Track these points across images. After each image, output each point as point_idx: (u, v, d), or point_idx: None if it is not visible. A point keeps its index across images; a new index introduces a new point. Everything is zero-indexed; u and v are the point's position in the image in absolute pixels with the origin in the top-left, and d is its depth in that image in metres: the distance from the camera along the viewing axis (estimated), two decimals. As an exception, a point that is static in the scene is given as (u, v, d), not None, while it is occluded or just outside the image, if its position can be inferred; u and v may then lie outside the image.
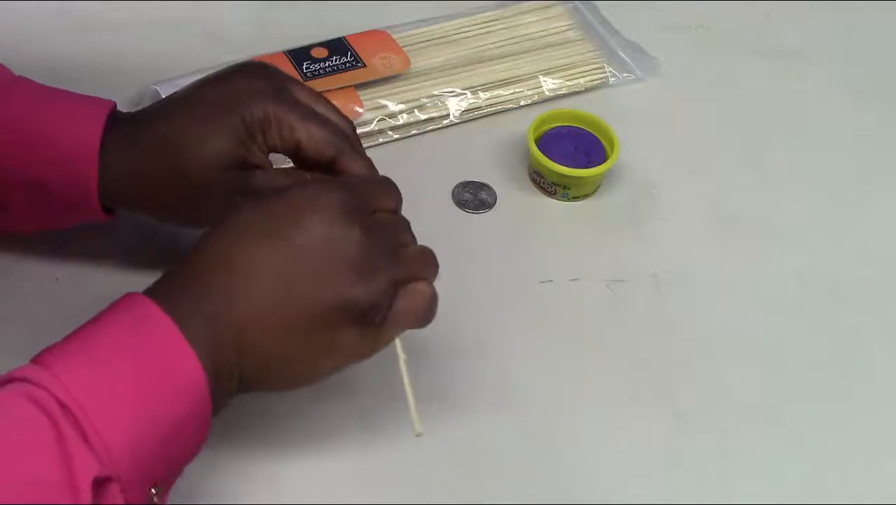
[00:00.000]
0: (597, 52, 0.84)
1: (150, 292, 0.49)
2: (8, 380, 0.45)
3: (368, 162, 0.59)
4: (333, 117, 0.59)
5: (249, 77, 0.58)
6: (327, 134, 0.57)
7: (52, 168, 0.58)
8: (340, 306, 0.49)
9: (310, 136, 0.57)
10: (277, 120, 0.57)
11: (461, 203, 0.73)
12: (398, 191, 0.54)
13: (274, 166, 0.59)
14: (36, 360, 0.46)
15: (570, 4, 0.88)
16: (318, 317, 0.49)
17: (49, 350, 0.47)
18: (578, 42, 0.85)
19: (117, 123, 0.59)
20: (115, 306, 0.48)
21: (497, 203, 0.73)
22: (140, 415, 0.45)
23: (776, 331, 0.67)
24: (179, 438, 0.47)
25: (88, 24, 0.81)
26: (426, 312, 0.53)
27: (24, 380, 0.44)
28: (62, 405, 0.43)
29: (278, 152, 0.58)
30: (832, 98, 0.85)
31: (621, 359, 0.65)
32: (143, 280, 0.65)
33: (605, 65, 0.83)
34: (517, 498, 0.57)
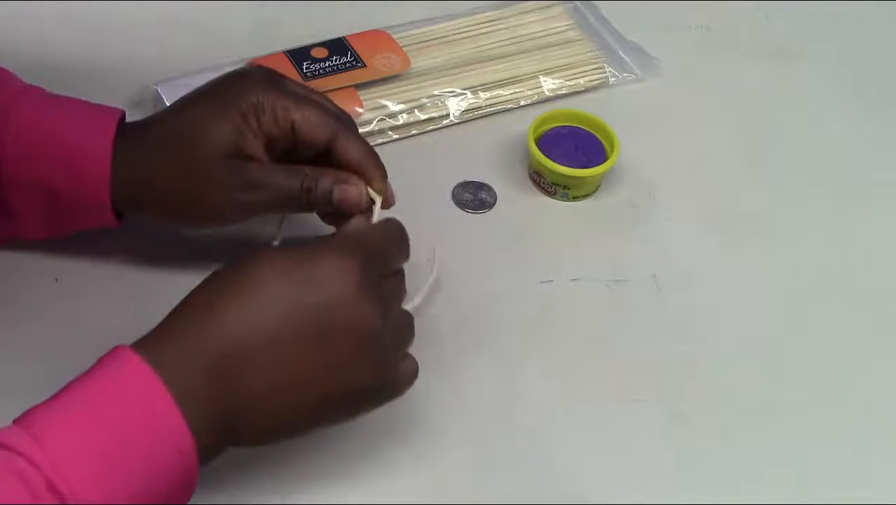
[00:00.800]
0: (597, 52, 0.84)
1: (145, 349, 0.47)
2: None
3: (365, 144, 0.59)
4: (329, 105, 0.60)
5: (245, 72, 0.60)
6: (323, 116, 0.58)
7: (64, 174, 0.58)
8: (344, 394, 0.50)
9: (304, 117, 0.57)
10: (272, 104, 0.57)
11: (461, 203, 0.73)
12: (408, 241, 0.55)
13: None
14: (23, 424, 0.45)
15: (570, 4, 0.88)
16: (325, 396, 0.50)
17: (35, 414, 0.45)
18: (578, 42, 0.85)
19: (126, 129, 0.60)
20: (101, 363, 0.47)
21: (497, 203, 0.73)
22: (130, 495, 0.45)
23: (776, 331, 0.67)
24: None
25: (88, 25, 0.81)
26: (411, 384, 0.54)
27: (9, 448, 0.43)
28: (51, 486, 0.43)
29: (274, 140, 0.58)
30: (832, 98, 0.85)
31: (621, 359, 0.65)
32: (142, 280, 0.65)
33: (605, 65, 0.83)
34: (517, 498, 0.57)
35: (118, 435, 0.45)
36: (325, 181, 0.57)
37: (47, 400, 0.46)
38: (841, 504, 0.58)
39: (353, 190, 0.58)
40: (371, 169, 0.59)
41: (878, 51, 0.89)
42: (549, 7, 0.87)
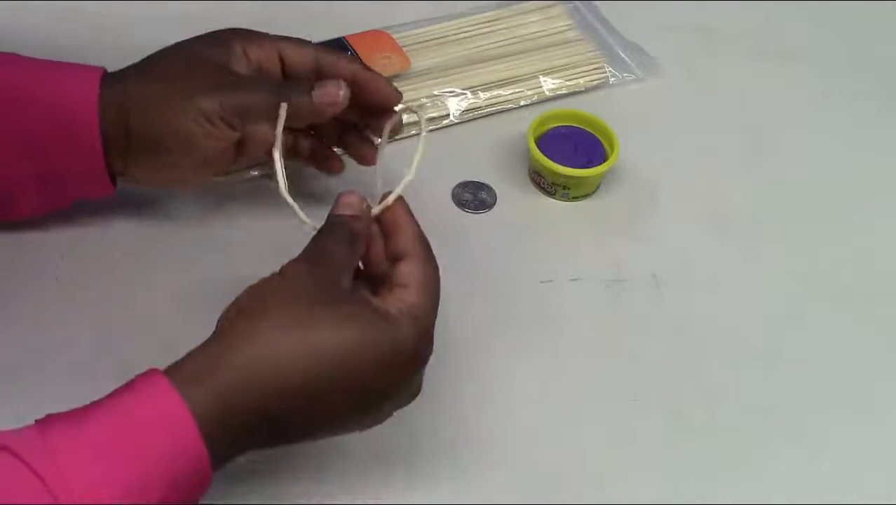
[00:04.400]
0: (597, 53, 0.84)
1: (174, 372, 0.47)
2: (13, 449, 0.43)
3: (354, 59, 0.61)
4: None
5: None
6: (306, 43, 0.61)
7: (51, 125, 0.58)
8: (354, 424, 0.52)
9: (289, 43, 0.61)
10: (258, 38, 0.61)
11: (461, 203, 0.73)
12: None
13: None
14: (44, 433, 0.44)
15: (570, 4, 0.88)
16: (336, 426, 0.51)
17: (60, 432, 0.44)
18: (578, 42, 0.85)
19: (111, 78, 0.60)
20: (132, 387, 0.47)
21: (497, 203, 0.73)
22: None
23: (776, 331, 0.67)
24: None
25: (88, 24, 0.81)
26: None
27: (25, 463, 0.42)
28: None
29: (263, 68, 0.60)
30: (832, 98, 0.84)
31: (621, 359, 0.65)
32: (142, 281, 0.65)
33: (605, 65, 0.83)
34: (517, 498, 0.57)
35: (145, 466, 0.44)
36: (302, 83, 0.59)
37: (73, 417, 0.45)
38: (841, 504, 0.58)
39: (331, 85, 0.58)
40: (369, 76, 0.60)
41: (878, 51, 0.89)
42: (549, 7, 0.87)
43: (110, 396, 0.46)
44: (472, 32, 0.84)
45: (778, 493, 0.59)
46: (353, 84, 0.59)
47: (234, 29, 0.61)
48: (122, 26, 0.81)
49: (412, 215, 0.55)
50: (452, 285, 0.67)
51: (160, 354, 0.49)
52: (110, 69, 0.61)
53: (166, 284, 0.65)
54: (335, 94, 0.58)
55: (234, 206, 0.70)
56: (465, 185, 0.74)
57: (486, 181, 0.74)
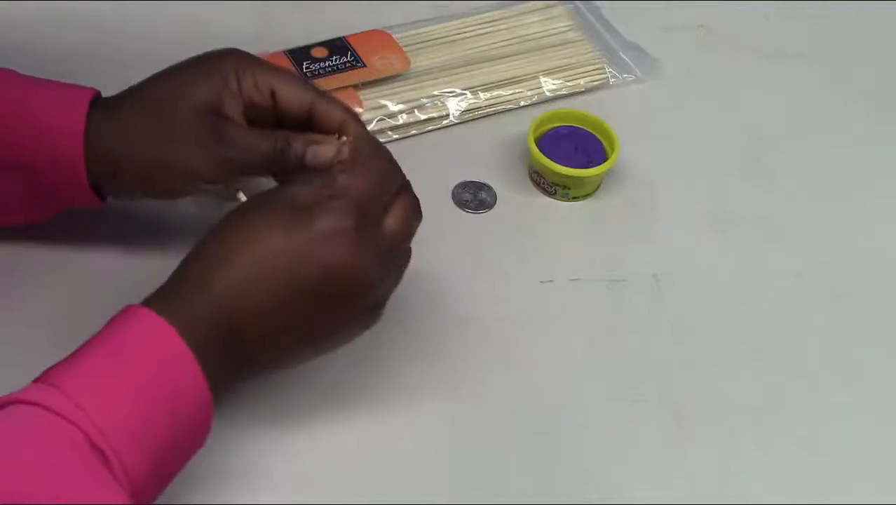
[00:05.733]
0: (597, 53, 0.84)
1: (155, 307, 0.49)
2: (16, 401, 0.45)
3: (346, 105, 0.59)
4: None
5: (226, 48, 0.60)
6: (301, 83, 0.59)
7: (38, 145, 0.58)
8: (337, 335, 0.54)
9: (284, 82, 0.58)
10: (252, 70, 0.58)
11: (461, 203, 0.73)
12: (394, 163, 0.56)
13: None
14: (50, 382, 0.46)
15: (570, 5, 0.88)
16: (319, 339, 0.54)
17: (60, 372, 0.47)
18: (579, 42, 0.85)
19: (100, 101, 0.60)
20: (116, 322, 0.49)
21: (497, 203, 0.73)
22: (155, 442, 0.47)
23: (776, 331, 0.67)
24: (186, 450, 0.49)
25: (87, 25, 0.81)
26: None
27: (38, 405, 0.44)
28: (91, 442, 0.44)
29: (254, 105, 0.58)
30: (832, 98, 0.84)
31: (621, 359, 0.65)
32: (142, 281, 0.65)
33: (605, 65, 0.83)
34: (517, 498, 0.57)
35: (145, 391, 0.47)
36: (298, 142, 0.57)
37: (65, 359, 0.47)
38: (841, 504, 0.59)
39: (326, 149, 0.57)
40: (353, 125, 0.59)
41: (878, 51, 0.89)
42: (549, 7, 0.87)
43: (99, 336, 0.49)
44: (473, 33, 0.84)
45: (778, 493, 0.59)
46: (338, 130, 0.59)
47: (230, 52, 0.59)
48: (123, 27, 0.81)
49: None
50: (453, 285, 0.67)
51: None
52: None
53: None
54: (329, 158, 0.57)
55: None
56: (465, 185, 0.74)
57: (486, 181, 0.74)
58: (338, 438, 0.59)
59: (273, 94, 0.58)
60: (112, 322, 0.49)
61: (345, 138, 0.57)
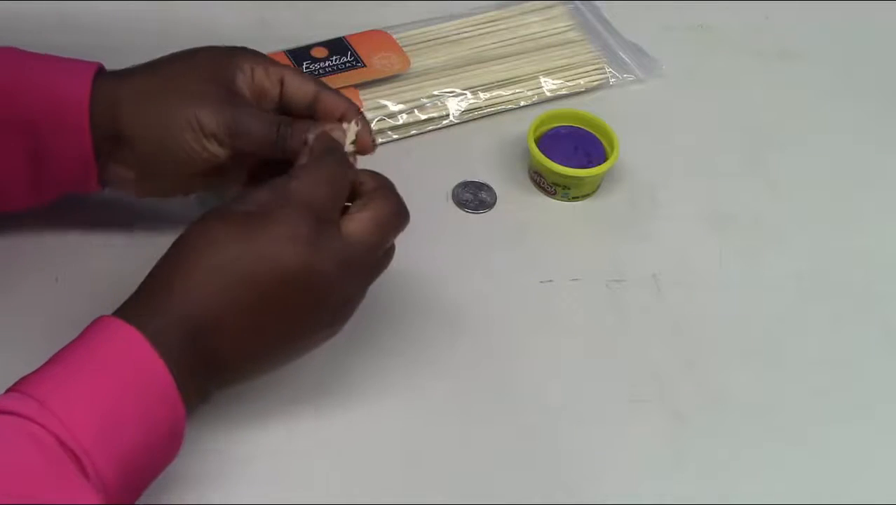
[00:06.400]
0: (597, 53, 0.84)
1: (126, 316, 0.50)
2: None
3: (348, 98, 0.60)
4: None
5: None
6: (306, 75, 0.61)
7: (43, 111, 0.58)
8: (306, 338, 0.54)
9: (292, 73, 0.60)
10: (262, 62, 0.60)
11: (461, 203, 0.73)
12: (345, 178, 0.56)
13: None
14: (20, 390, 0.46)
15: (570, 5, 0.88)
16: (287, 343, 0.54)
17: (30, 380, 0.47)
18: (579, 42, 0.85)
19: (107, 73, 0.60)
20: (87, 332, 0.50)
21: (497, 203, 0.73)
22: (127, 444, 0.47)
23: (776, 331, 0.67)
24: (160, 457, 0.50)
25: (87, 25, 0.81)
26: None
27: (12, 413, 0.45)
28: (60, 442, 0.44)
29: (262, 94, 0.60)
30: (832, 98, 0.84)
31: (621, 359, 0.65)
32: (141, 281, 0.65)
33: (605, 65, 0.83)
34: (517, 498, 0.57)
35: (115, 394, 0.47)
36: (299, 126, 0.58)
37: (39, 368, 0.48)
38: (841, 504, 0.58)
39: (328, 128, 0.58)
40: (353, 116, 0.60)
41: (878, 51, 0.89)
42: (549, 7, 0.87)
43: (70, 345, 0.49)
44: (473, 32, 0.84)
45: (778, 493, 0.59)
46: (339, 118, 0.60)
47: (244, 47, 0.61)
48: (123, 27, 0.81)
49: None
50: (452, 285, 0.67)
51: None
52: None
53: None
54: (330, 138, 0.58)
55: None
56: (465, 185, 0.74)
57: (486, 181, 0.74)
58: (338, 439, 0.59)
59: (281, 82, 0.60)
60: (83, 333, 0.50)
61: (346, 125, 0.59)
